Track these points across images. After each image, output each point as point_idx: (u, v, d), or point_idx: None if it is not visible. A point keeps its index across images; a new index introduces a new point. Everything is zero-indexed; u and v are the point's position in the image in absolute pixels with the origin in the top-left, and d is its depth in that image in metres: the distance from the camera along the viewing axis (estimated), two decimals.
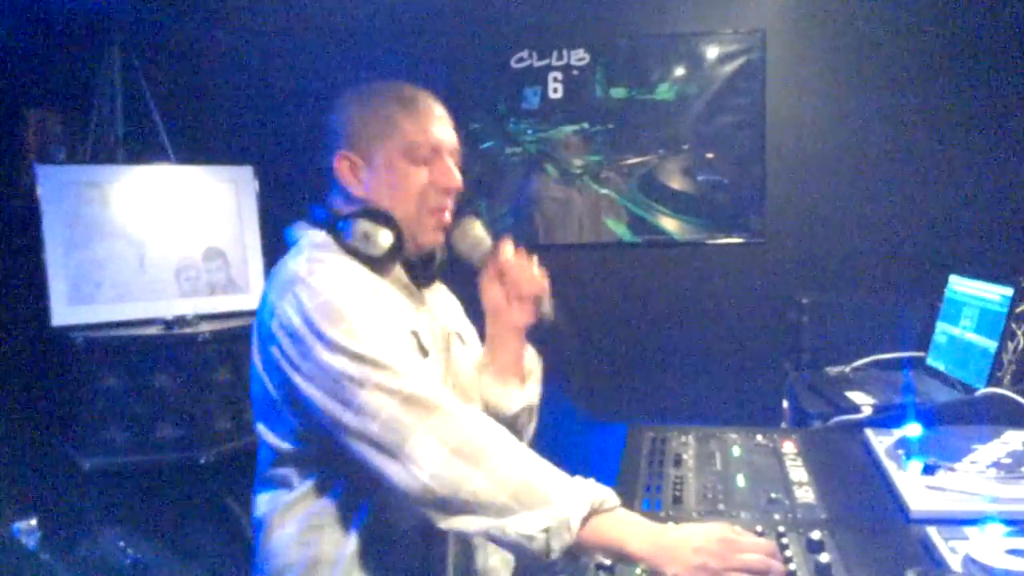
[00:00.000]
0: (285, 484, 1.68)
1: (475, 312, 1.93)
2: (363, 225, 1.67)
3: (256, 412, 1.71)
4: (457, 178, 1.74)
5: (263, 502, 1.72)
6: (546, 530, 1.36)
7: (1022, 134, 3.51)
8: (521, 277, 1.86)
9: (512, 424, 1.86)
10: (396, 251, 1.69)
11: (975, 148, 3.57)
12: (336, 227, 1.69)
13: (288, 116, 3.98)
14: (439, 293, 1.91)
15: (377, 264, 1.69)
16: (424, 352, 1.68)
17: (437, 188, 1.72)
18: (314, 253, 1.66)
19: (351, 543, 1.64)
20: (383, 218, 1.68)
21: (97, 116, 3.73)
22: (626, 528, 1.39)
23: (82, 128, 3.75)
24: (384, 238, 1.67)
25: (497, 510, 1.39)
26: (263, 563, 1.70)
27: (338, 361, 1.50)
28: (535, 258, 1.88)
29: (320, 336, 1.52)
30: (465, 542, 1.73)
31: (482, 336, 1.95)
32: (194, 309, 3.44)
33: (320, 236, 1.71)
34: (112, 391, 3.16)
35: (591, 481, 1.44)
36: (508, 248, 1.87)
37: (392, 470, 1.45)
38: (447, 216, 1.76)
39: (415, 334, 1.68)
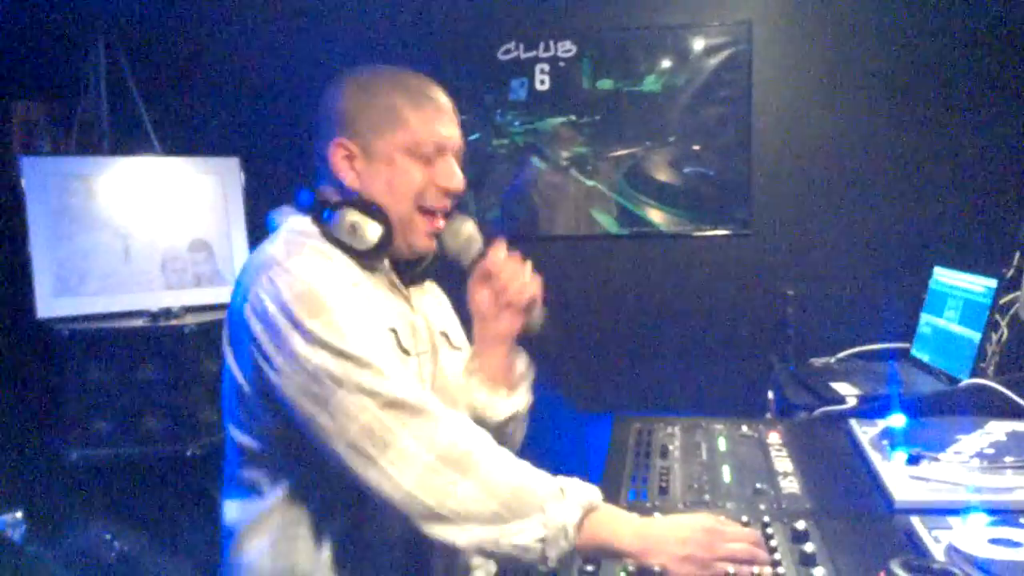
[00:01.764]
0: (255, 490, 1.59)
1: (465, 313, 1.87)
2: (351, 216, 1.58)
3: (226, 408, 1.62)
4: (460, 179, 1.66)
5: (232, 509, 1.63)
6: (542, 539, 1.35)
7: (1007, 126, 3.52)
8: (512, 283, 1.78)
9: (499, 432, 1.79)
10: (384, 247, 1.60)
11: (961, 140, 3.58)
12: (322, 215, 1.61)
13: (274, 108, 3.96)
14: (429, 292, 1.84)
15: (362, 258, 1.60)
16: (404, 351, 1.61)
17: (437, 188, 1.64)
18: (295, 238, 1.58)
19: (328, 554, 1.56)
20: (373, 211, 1.59)
21: (82, 107, 3.71)
22: (614, 526, 1.39)
23: (67, 119, 3.73)
24: (372, 232, 1.58)
25: (487, 519, 1.36)
26: (233, 574, 1.62)
27: (316, 355, 1.42)
28: (529, 263, 1.80)
29: (297, 326, 1.43)
30: (449, 551, 1.59)
31: (471, 339, 1.87)
32: (180, 301, 3.43)
33: (303, 223, 1.63)
34: (98, 383, 3.15)
35: (575, 480, 1.43)
36: (500, 250, 1.79)
37: (372, 476, 1.39)
38: (440, 222, 1.69)
39: (394, 332, 1.60)
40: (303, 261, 1.51)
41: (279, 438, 1.53)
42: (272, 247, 1.56)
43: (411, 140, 1.61)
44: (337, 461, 1.42)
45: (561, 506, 1.37)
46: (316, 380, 1.41)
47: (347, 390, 1.40)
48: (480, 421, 1.77)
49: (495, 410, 1.82)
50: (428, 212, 1.66)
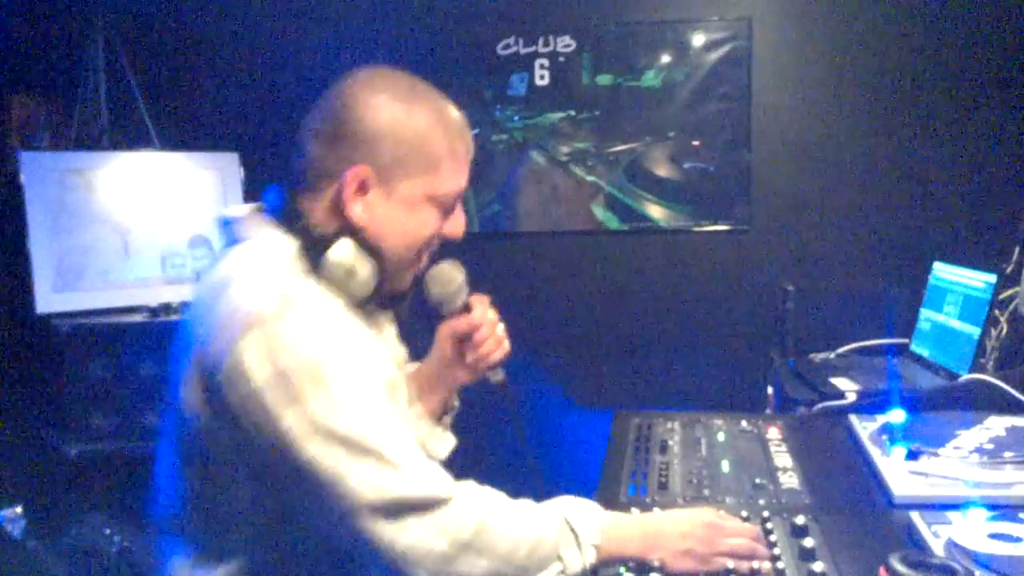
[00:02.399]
0: (214, 554, 1.37)
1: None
2: (349, 254, 1.39)
3: (177, 445, 1.37)
4: (464, 227, 1.53)
5: (184, 571, 1.39)
6: None
7: (1007, 122, 3.52)
8: (487, 343, 1.69)
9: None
10: (377, 291, 1.44)
11: (961, 136, 3.58)
12: (313, 246, 1.39)
13: (273, 102, 3.96)
14: (387, 313, 1.67)
15: (355, 302, 1.43)
16: (393, 399, 1.50)
17: (442, 235, 1.51)
18: (278, 278, 1.34)
19: None
20: (370, 251, 1.41)
21: (81, 102, 3.71)
22: (620, 537, 1.39)
23: (66, 114, 3.73)
24: (368, 279, 1.41)
25: None
26: None
27: (312, 440, 1.23)
28: (502, 325, 1.72)
29: (292, 403, 1.23)
30: None
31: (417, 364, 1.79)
32: (179, 296, 3.42)
33: (284, 248, 1.40)
34: (97, 378, 3.15)
35: (574, 504, 1.41)
36: (485, 307, 1.70)
37: (388, 561, 1.26)
38: (424, 266, 1.55)
39: (390, 384, 1.51)
40: (298, 320, 1.28)
41: (258, 504, 1.34)
42: (252, 292, 1.30)
43: (439, 190, 1.45)
44: (338, 543, 1.32)
45: (576, 551, 1.36)
46: (312, 469, 1.24)
47: (348, 485, 1.24)
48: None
49: (439, 448, 1.74)
50: (423, 258, 1.53)
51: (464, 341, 1.70)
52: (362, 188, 1.40)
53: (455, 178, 1.47)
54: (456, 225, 1.51)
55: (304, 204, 1.43)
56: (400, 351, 1.73)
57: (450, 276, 1.65)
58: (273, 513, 1.33)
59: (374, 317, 1.57)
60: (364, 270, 1.40)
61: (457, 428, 1.81)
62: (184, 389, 1.33)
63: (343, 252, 1.39)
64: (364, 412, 1.28)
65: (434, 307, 1.68)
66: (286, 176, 1.48)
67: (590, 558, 1.36)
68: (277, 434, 1.23)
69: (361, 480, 1.24)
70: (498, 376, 1.73)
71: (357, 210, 1.40)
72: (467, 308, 1.68)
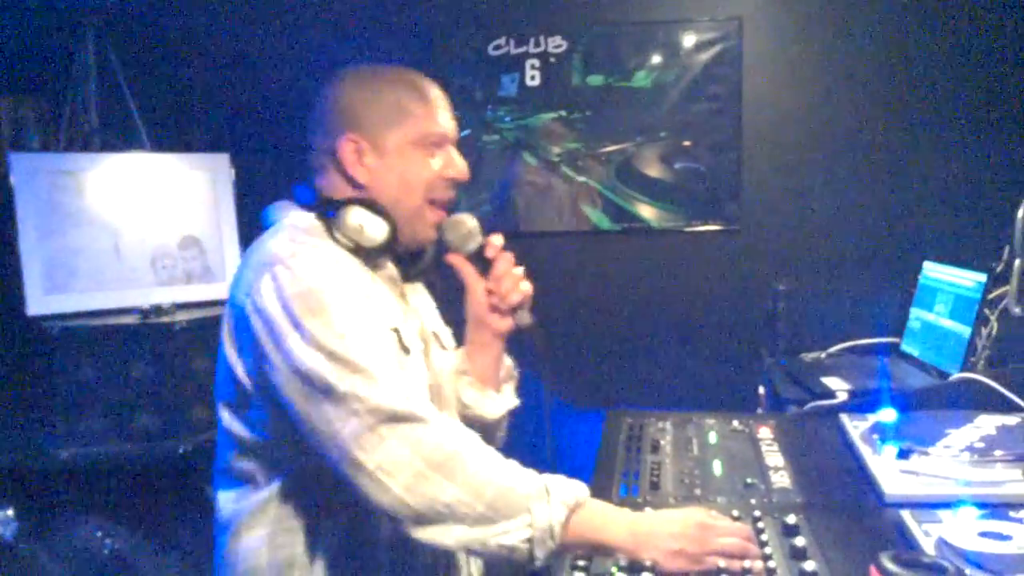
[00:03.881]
0: (251, 481, 1.59)
1: (451, 313, 1.89)
2: (358, 213, 1.59)
3: (220, 396, 1.62)
4: (465, 168, 1.70)
5: (227, 501, 1.63)
6: (529, 540, 1.36)
7: (997, 122, 3.53)
8: (505, 281, 1.78)
9: (488, 431, 1.82)
10: (389, 245, 1.61)
11: (950, 135, 3.59)
12: (326, 212, 1.61)
13: (265, 104, 3.96)
14: (419, 292, 1.84)
15: (367, 256, 1.61)
16: (406, 350, 1.61)
17: (445, 179, 1.68)
18: (298, 235, 1.57)
19: (326, 547, 1.56)
20: (379, 209, 1.61)
21: (71, 103, 3.69)
22: (603, 522, 1.40)
23: (56, 116, 3.71)
24: (379, 230, 1.60)
25: (473, 520, 1.36)
26: (229, 567, 1.61)
27: (311, 357, 1.41)
28: (522, 268, 1.81)
29: (296, 325, 1.43)
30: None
31: (458, 339, 1.89)
32: (170, 298, 3.41)
33: (307, 219, 1.63)
34: (88, 380, 3.14)
35: (561, 478, 1.43)
36: (498, 238, 1.81)
37: (361, 481, 1.38)
38: (441, 216, 1.71)
39: (396, 331, 1.60)
40: (306, 259, 1.50)
41: (277, 430, 1.52)
42: (275, 242, 1.54)
43: (419, 132, 1.64)
44: (329, 462, 1.42)
45: (546, 506, 1.37)
46: (309, 382, 1.41)
47: (338, 394, 1.40)
48: (471, 421, 1.80)
49: (490, 409, 1.85)
50: (436, 204, 1.69)
51: (486, 288, 1.81)
52: (359, 153, 1.62)
53: (432, 119, 1.66)
54: (455, 167, 1.69)
55: (318, 183, 1.68)
56: (434, 324, 1.84)
57: (461, 221, 1.78)
58: (290, 441, 1.49)
59: (398, 286, 1.71)
60: (373, 222, 1.60)
61: None
62: (224, 342, 1.56)
63: (354, 212, 1.60)
64: (357, 336, 1.44)
65: (455, 251, 1.80)
66: (307, 172, 1.71)
67: (559, 516, 1.36)
68: (284, 354, 1.43)
69: (348, 390, 1.40)
70: (525, 320, 1.81)
71: (360, 172, 1.63)
72: (482, 252, 1.80)
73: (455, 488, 1.36)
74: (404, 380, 1.48)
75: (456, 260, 1.80)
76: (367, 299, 1.55)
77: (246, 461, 1.59)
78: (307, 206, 1.65)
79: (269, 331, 1.45)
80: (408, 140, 1.63)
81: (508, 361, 1.92)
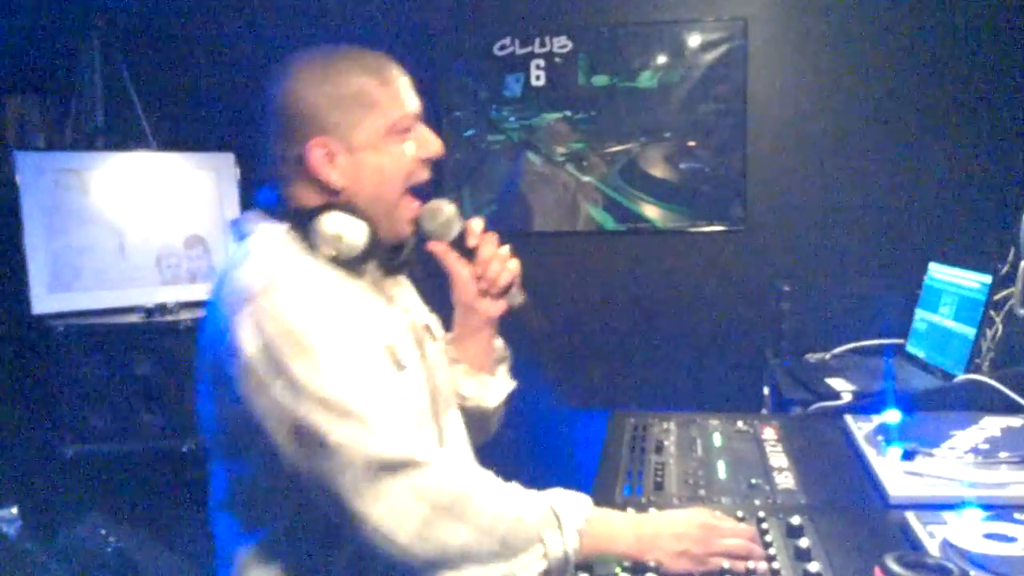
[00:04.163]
0: (256, 520, 1.48)
1: (435, 301, 1.83)
2: (334, 220, 1.49)
3: (212, 440, 1.49)
4: (439, 143, 1.60)
5: (228, 538, 1.51)
6: (547, 572, 1.34)
7: (1003, 123, 3.53)
8: (491, 265, 1.72)
9: (487, 420, 1.80)
10: (371, 249, 1.52)
11: (956, 137, 3.58)
12: (300, 223, 1.50)
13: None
14: (402, 284, 1.75)
15: (349, 265, 1.51)
16: (400, 367, 1.53)
17: (421, 161, 1.57)
18: (271, 258, 1.44)
19: None
20: (355, 212, 1.50)
21: (77, 102, 3.70)
22: (609, 533, 1.39)
23: (62, 115, 3.73)
24: (359, 235, 1.49)
25: (487, 558, 1.32)
26: None
27: (300, 405, 1.31)
28: (507, 246, 1.76)
29: (280, 371, 1.32)
30: None
31: (446, 325, 1.83)
32: (175, 297, 3.42)
33: (276, 233, 1.50)
34: (93, 379, 3.15)
35: (564, 495, 1.41)
36: (478, 223, 1.73)
37: (364, 534, 1.31)
38: (417, 206, 1.62)
39: (391, 348, 1.52)
40: (284, 292, 1.37)
41: (271, 476, 1.41)
42: (247, 271, 1.41)
43: (388, 121, 1.53)
44: (328, 510, 1.35)
45: (558, 534, 1.35)
46: (300, 432, 1.32)
47: (331, 445, 1.31)
48: (470, 410, 1.78)
49: (489, 396, 1.81)
50: (412, 192, 1.60)
51: (473, 273, 1.75)
52: (329, 156, 1.50)
53: (398, 102, 1.55)
54: (429, 145, 1.59)
55: (286, 192, 1.55)
56: (423, 316, 1.75)
57: (438, 208, 1.68)
58: (285, 485, 1.39)
59: (381, 285, 1.63)
60: (354, 229, 1.49)
61: None
62: (204, 382, 1.44)
63: (329, 219, 1.49)
64: (348, 377, 1.35)
65: (436, 240, 1.72)
66: (268, 175, 1.59)
67: (572, 543, 1.35)
68: (270, 402, 1.33)
69: (341, 440, 1.30)
70: (517, 299, 1.77)
71: (334, 176, 1.51)
72: (463, 237, 1.72)
73: (465, 529, 1.31)
74: (401, 417, 1.39)
75: (438, 249, 1.72)
76: (355, 321, 1.45)
77: (249, 502, 1.49)
78: (275, 214, 1.54)
79: (250, 379, 1.34)
80: (378, 132, 1.52)
81: (499, 342, 1.86)
